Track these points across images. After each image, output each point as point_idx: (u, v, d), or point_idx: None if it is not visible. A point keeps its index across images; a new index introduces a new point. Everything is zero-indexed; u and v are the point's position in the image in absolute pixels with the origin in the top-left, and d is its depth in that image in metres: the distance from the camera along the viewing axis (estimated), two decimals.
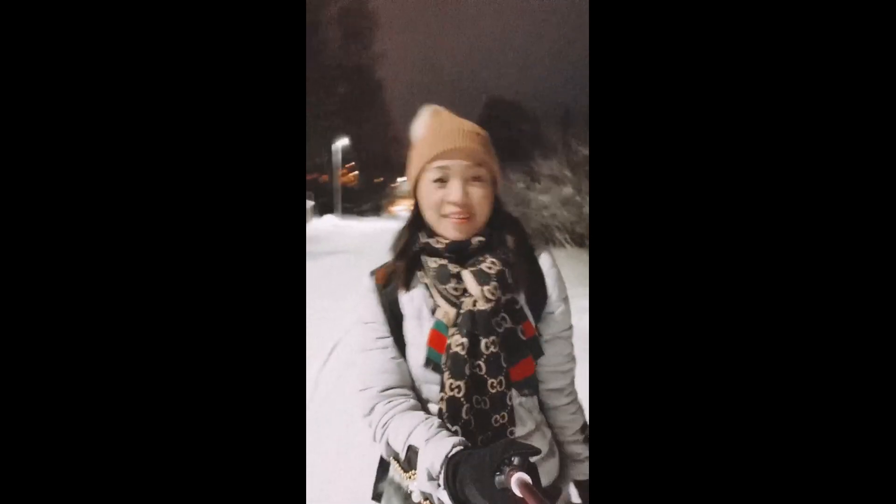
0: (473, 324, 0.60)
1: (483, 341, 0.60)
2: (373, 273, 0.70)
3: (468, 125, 0.65)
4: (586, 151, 6.97)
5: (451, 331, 0.61)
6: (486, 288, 0.61)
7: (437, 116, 0.67)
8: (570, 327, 0.70)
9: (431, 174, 0.63)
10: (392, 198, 31.32)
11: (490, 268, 0.62)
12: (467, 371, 0.60)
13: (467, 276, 0.62)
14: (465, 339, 0.60)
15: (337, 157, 21.58)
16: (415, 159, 0.66)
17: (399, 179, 33.80)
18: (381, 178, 28.24)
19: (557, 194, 7.45)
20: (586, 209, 6.72)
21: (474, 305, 0.61)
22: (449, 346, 0.61)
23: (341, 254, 7.79)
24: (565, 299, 0.70)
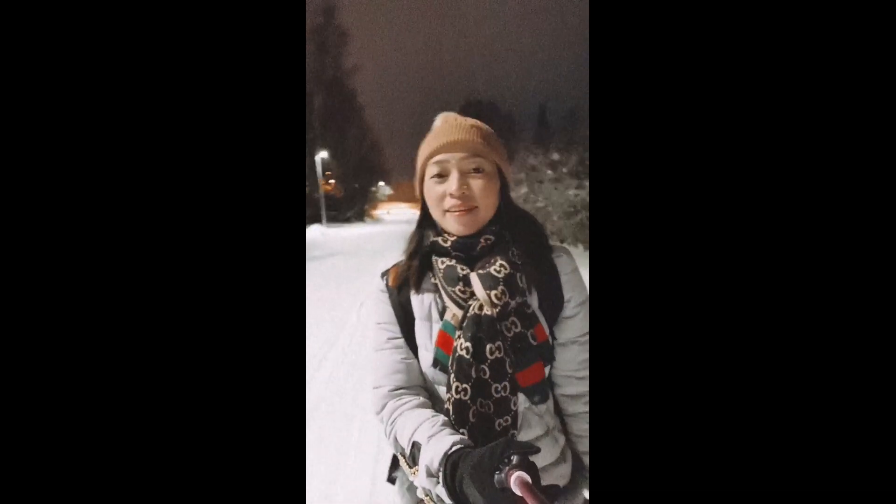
0: (478, 328, 0.60)
1: (488, 346, 0.60)
2: (384, 274, 0.71)
3: (469, 121, 0.65)
4: (534, 160, 8.31)
5: (458, 333, 0.61)
6: (492, 293, 0.60)
7: (444, 120, 0.67)
8: (588, 332, 0.68)
9: (432, 170, 0.63)
10: (374, 202, 32.34)
11: (498, 271, 0.61)
12: (473, 374, 0.60)
13: (474, 280, 0.62)
14: (468, 344, 0.59)
15: (318, 169, 22.51)
16: (418, 160, 0.66)
17: (380, 184, 34.77)
18: (357, 185, 29.22)
19: (517, 193, 8.76)
20: (539, 204, 8.04)
21: (480, 310, 0.60)
22: (455, 349, 0.61)
23: (336, 256, 8.47)
24: (583, 303, 0.67)
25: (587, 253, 7.05)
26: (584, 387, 0.67)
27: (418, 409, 0.61)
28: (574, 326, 0.66)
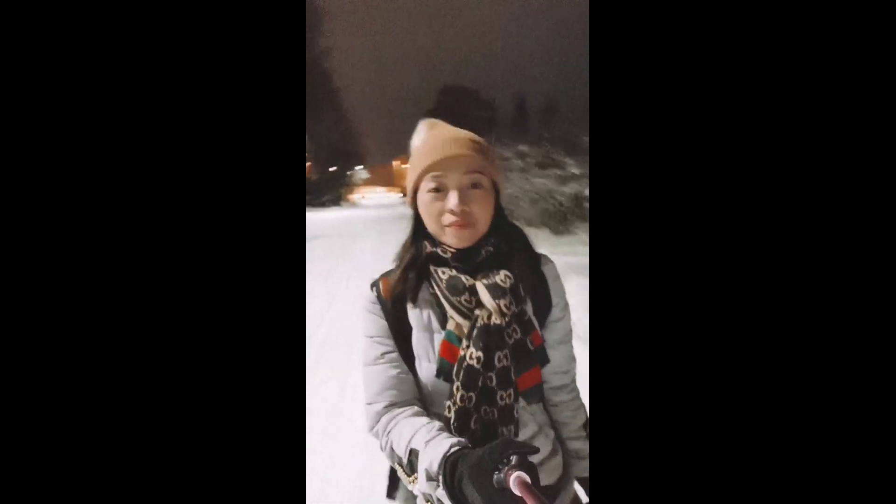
0: (488, 337, 0.61)
1: (497, 354, 0.61)
2: (374, 285, 0.70)
3: (463, 133, 0.66)
4: (505, 151, 8.94)
5: (465, 343, 0.62)
6: (501, 302, 0.62)
7: (433, 128, 0.68)
8: (571, 331, 0.73)
9: (428, 184, 0.64)
10: (350, 186, 32.36)
11: (504, 281, 0.63)
12: (480, 383, 0.61)
13: (481, 289, 0.63)
14: (480, 353, 0.61)
15: None
16: (411, 171, 0.67)
17: (357, 168, 34.70)
18: (335, 168, 29.16)
19: None
20: (509, 191, 8.68)
21: (489, 319, 0.62)
22: (463, 358, 0.61)
23: (318, 239, 8.51)
24: (566, 306, 0.72)
25: (552, 236, 7.72)
26: (568, 378, 0.73)
27: (413, 418, 0.61)
28: (561, 328, 0.71)
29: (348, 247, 7.56)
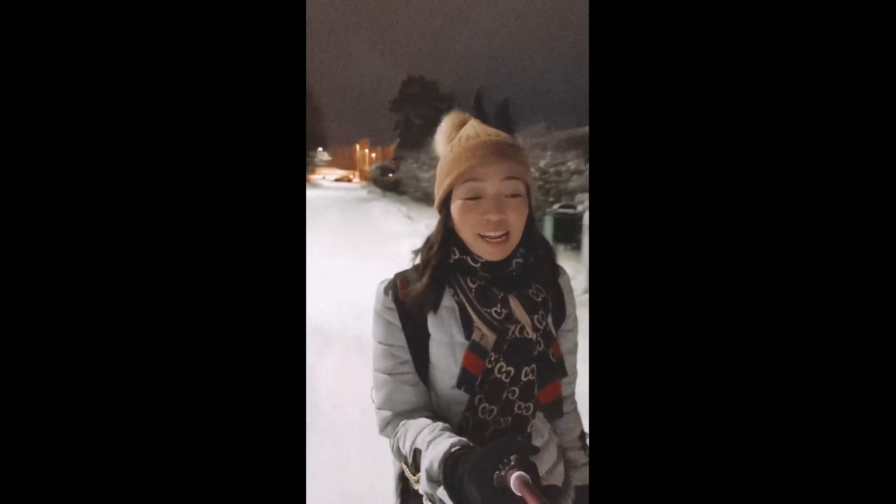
0: (519, 352, 0.60)
1: (525, 369, 0.61)
2: (388, 289, 0.66)
3: (501, 136, 0.62)
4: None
5: (492, 356, 0.60)
6: (535, 317, 0.61)
7: (467, 127, 0.64)
8: (577, 342, 0.71)
9: (464, 191, 0.60)
10: (312, 167, 32.02)
11: (536, 295, 0.62)
12: (503, 396, 0.60)
13: (514, 303, 0.61)
14: (511, 368, 0.60)
15: None
16: (444, 174, 0.62)
17: (318, 150, 34.20)
18: None
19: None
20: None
21: (521, 333, 0.60)
22: (489, 371, 0.60)
23: None
24: (576, 317, 0.71)
25: None
26: (569, 390, 0.72)
27: (419, 419, 0.60)
28: (572, 338, 0.71)
29: (311, 224, 8.11)
